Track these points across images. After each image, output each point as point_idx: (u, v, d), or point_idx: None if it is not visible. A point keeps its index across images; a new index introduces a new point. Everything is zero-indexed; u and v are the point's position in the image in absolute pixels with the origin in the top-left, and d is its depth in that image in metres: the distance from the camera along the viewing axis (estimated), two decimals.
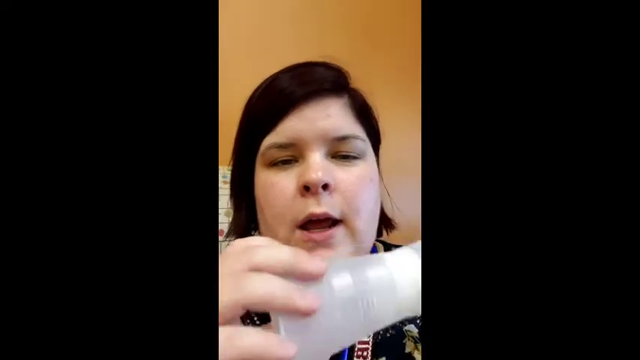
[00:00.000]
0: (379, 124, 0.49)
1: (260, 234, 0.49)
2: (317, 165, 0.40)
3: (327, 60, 0.46)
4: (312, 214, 0.39)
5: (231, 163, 0.50)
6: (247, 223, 0.51)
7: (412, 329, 0.47)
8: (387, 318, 0.29)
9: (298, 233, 0.40)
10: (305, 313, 0.24)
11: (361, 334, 0.29)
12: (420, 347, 0.45)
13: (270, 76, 0.46)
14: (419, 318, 0.48)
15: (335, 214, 0.40)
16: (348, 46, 1.12)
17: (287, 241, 0.41)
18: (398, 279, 0.29)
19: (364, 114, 0.46)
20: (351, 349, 0.44)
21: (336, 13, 1.22)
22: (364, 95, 0.48)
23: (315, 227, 0.40)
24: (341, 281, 0.27)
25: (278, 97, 0.42)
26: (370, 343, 0.45)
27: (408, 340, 0.46)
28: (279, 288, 0.23)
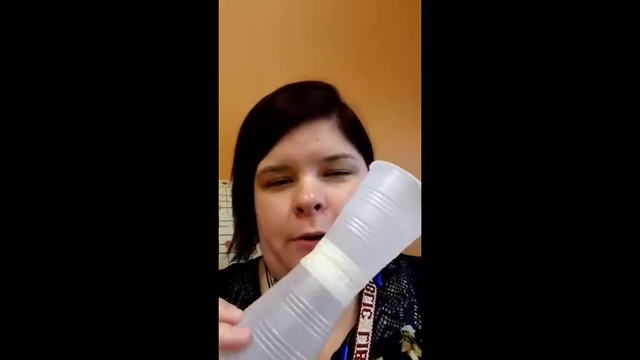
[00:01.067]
0: (369, 135, 0.52)
1: (260, 246, 0.53)
2: (309, 187, 0.42)
3: (322, 79, 0.49)
4: (306, 234, 0.42)
5: (231, 180, 0.54)
6: (250, 236, 0.55)
7: (409, 330, 0.48)
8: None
9: (293, 244, 0.43)
10: (237, 344, 0.30)
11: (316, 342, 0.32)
12: (415, 347, 0.47)
13: (265, 98, 0.50)
14: (417, 319, 0.50)
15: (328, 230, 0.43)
16: (345, 62, 1.14)
17: (282, 252, 0.44)
18: (325, 282, 0.32)
19: (353, 130, 0.49)
20: (350, 352, 0.46)
21: (333, 29, 1.24)
22: (353, 110, 0.50)
23: (310, 241, 0.43)
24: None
25: (270, 122, 0.46)
26: (369, 346, 0.46)
27: (404, 340, 0.47)
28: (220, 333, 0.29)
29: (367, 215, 0.35)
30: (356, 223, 0.35)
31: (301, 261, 0.35)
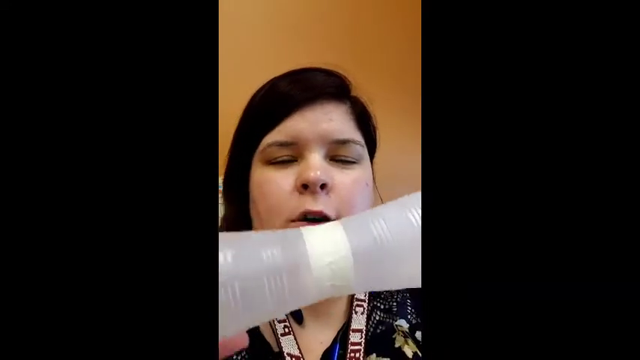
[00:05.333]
0: (377, 132, 0.52)
1: (253, 228, 0.50)
2: (316, 164, 0.41)
3: (329, 67, 0.48)
4: (308, 211, 0.40)
5: (225, 163, 0.51)
6: (240, 219, 0.51)
7: (402, 324, 0.49)
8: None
9: (293, 226, 0.41)
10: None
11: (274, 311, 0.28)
12: (410, 342, 0.47)
13: (271, 80, 0.47)
14: (410, 313, 0.50)
15: (330, 213, 0.41)
16: (349, 53, 1.14)
17: None
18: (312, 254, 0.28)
19: (364, 121, 0.48)
20: (342, 350, 0.45)
21: (337, 21, 1.24)
22: (364, 103, 0.50)
23: (310, 223, 0.41)
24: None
25: (281, 98, 0.44)
26: (362, 343, 0.46)
27: (398, 334, 0.47)
28: None
29: (397, 225, 0.30)
30: (380, 225, 0.30)
31: (302, 228, 0.32)
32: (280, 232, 0.30)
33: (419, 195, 0.34)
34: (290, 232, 0.30)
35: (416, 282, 0.31)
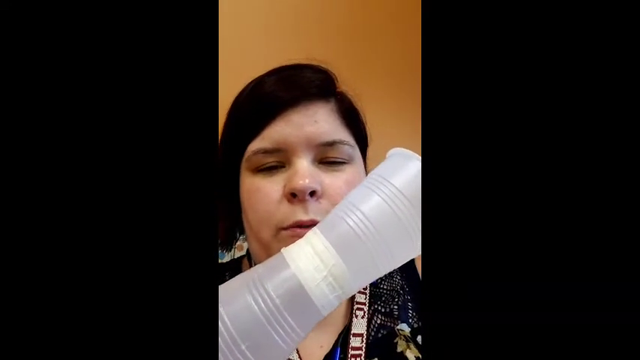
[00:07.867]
0: (367, 127, 0.49)
1: (246, 236, 0.49)
2: (304, 172, 0.39)
3: (313, 62, 0.46)
4: (298, 222, 0.39)
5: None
6: (232, 226, 0.51)
7: (404, 328, 0.47)
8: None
9: (284, 233, 0.40)
10: None
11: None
12: (412, 347, 0.45)
13: (255, 79, 0.46)
14: (412, 317, 0.48)
15: (322, 219, 0.40)
16: (345, 48, 1.13)
17: (271, 243, 0.40)
18: (304, 280, 0.27)
19: (351, 118, 0.46)
20: (343, 354, 0.44)
21: (334, 16, 1.23)
22: (351, 99, 0.47)
23: (303, 230, 0.40)
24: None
25: (264, 101, 0.42)
26: (363, 348, 0.44)
27: (400, 339, 0.46)
28: None
29: (371, 209, 0.30)
30: (356, 215, 0.30)
31: (282, 250, 0.31)
32: (265, 264, 0.29)
33: (383, 165, 0.34)
34: (274, 260, 0.29)
35: (409, 255, 0.31)
